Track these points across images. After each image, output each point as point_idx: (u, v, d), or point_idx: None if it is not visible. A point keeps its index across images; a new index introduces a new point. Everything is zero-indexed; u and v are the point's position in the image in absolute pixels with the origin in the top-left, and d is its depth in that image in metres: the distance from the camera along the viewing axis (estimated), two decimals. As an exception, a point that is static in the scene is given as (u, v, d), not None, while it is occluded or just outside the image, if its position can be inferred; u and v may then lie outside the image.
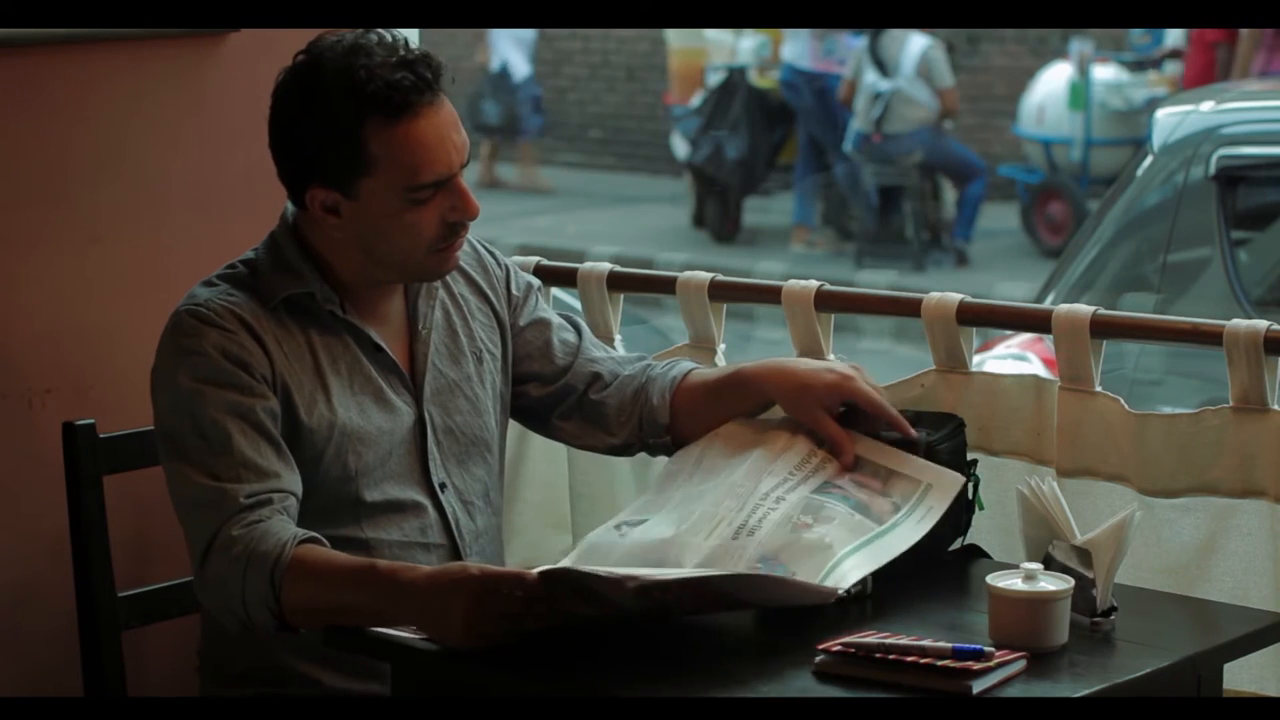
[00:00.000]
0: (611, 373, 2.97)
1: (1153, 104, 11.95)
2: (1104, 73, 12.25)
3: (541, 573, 2.37)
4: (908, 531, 2.65)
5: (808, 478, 2.72)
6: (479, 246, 2.98)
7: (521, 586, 2.38)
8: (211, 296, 2.71)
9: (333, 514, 2.69)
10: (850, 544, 2.59)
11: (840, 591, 2.51)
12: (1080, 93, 12.07)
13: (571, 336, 3.00)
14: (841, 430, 2.77)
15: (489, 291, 2.95)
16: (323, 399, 2.72)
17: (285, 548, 2.53)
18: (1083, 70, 12.09)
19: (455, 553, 2.81)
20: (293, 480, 2.65)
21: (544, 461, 3.41)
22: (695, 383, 2.92)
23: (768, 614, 2.58)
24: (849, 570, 2.55)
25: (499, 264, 2.99)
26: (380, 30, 2.70)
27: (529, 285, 3.01)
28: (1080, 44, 12.15)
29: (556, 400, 2.97)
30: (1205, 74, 11.31)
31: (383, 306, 2.81)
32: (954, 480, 2.73)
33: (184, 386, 2.66)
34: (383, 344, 2.79)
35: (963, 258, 11.71)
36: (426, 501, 2.80)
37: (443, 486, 2.82)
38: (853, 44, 12.12)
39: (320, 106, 2.66)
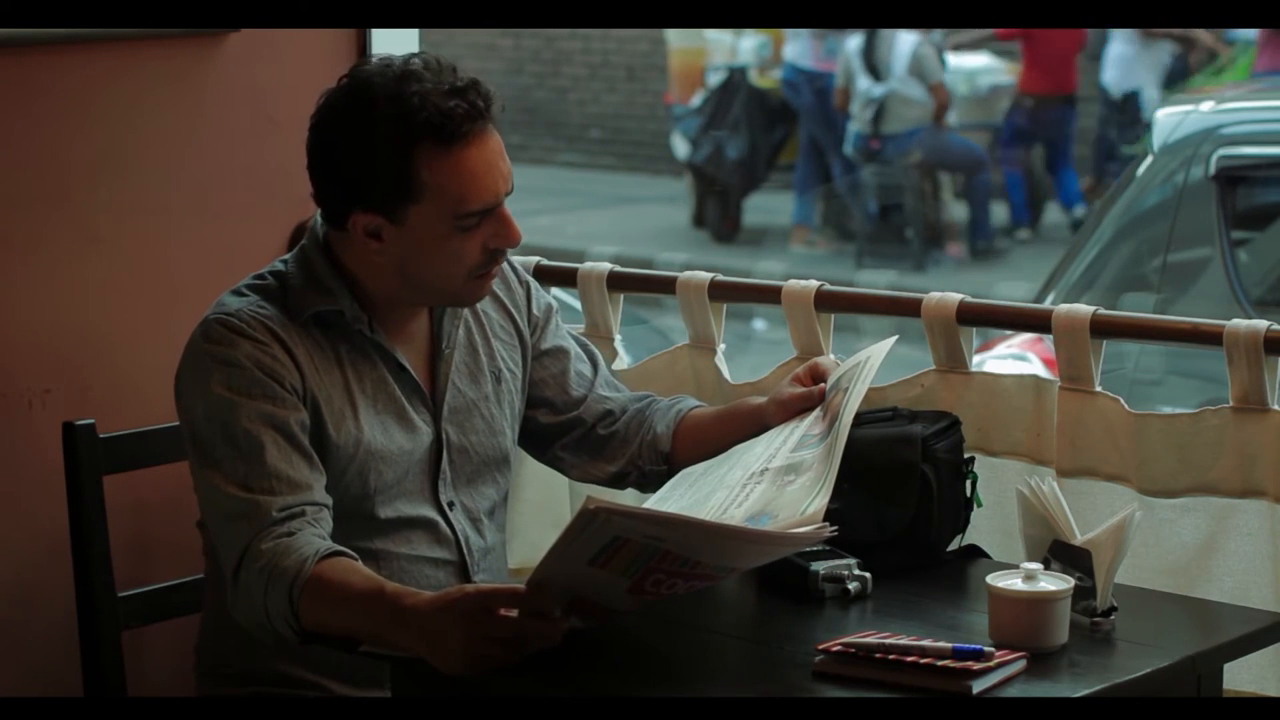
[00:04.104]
0: (621, 408, 2.98)
1: (996, 91, 12.26)
2: (957, 60, 12.44)
3: (529, 581, 2.36)
4: (850, 412, 2.60)
5: (787, 441, 2.71)
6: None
7: (514, 601, 2.36)
8: (243, 306, 2.69)
9: (345, 526, 2.67)
10: (824, 473, 2.56)
11: (828, 531, 2.43)
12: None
13: (587, 369, 3.00)
14: (806, 383, 2.79)
15: (512, 309, 2.94)
16: (350, 415, 2.72)
17: (305, 564, 2.51)
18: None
19: (464, 568, 2.81)
20: (324, 491, 2.64)
21: (544, 461, 3.41)
22: (700, 414, 2.94)
23: (768, 613, 2.57)
24: (820, 490, 2.51)
25: (520, 280, 2.97)
26: (425, 55, 2.67)
27: (549, 306, 3.00)
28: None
29: (563, 430, 2.97)
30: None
31: (409, 325, 2.80)
32: (883, 346, 2.70)
33: (217, 395, 2.63)
34: (407, 364, 2.78)
35: (993, 254, 11.63)
36: (437, 518, 2.80)
37: (450, 505, 2.81)
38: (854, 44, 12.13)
39: (370, 132, 2.63)
